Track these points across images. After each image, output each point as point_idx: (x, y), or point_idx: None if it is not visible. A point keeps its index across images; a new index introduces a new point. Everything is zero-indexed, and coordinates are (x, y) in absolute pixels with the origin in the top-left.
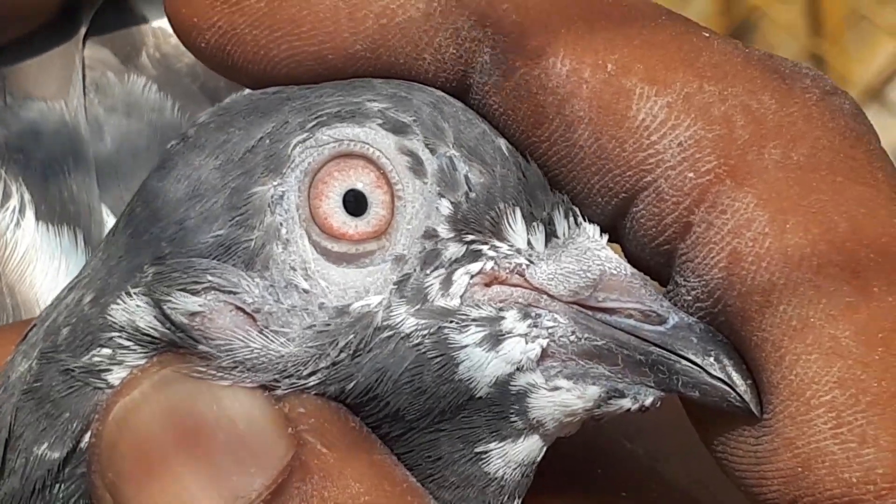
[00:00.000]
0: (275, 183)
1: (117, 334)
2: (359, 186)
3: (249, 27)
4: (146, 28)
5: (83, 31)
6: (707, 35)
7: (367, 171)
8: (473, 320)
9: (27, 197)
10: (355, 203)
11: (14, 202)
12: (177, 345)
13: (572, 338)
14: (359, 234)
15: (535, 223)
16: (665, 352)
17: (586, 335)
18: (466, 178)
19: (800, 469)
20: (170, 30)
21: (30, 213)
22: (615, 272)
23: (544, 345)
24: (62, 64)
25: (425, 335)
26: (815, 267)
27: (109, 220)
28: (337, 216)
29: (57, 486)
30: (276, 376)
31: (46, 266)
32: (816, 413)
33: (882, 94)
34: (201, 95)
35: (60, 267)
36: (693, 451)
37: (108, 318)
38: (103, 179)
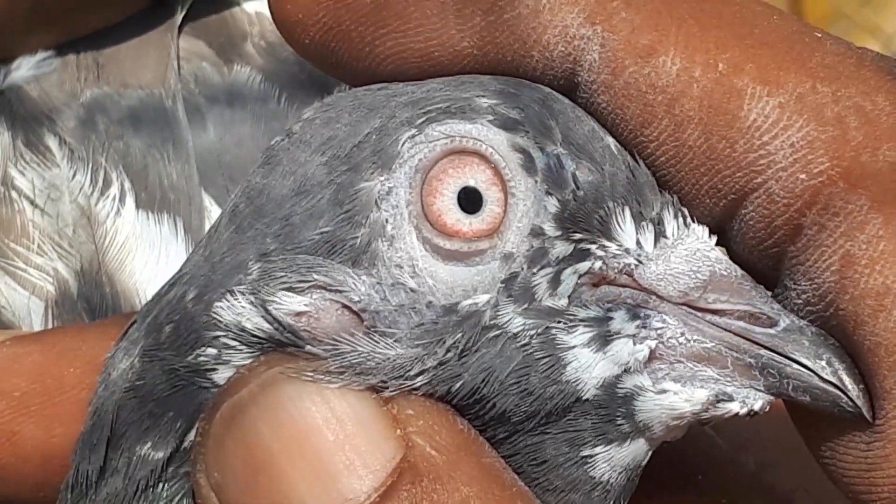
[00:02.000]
0: (382, 178)
1: (223, 333)
2: (472, 183)
3: (355, 23)
4: (243, 14)
5: (179, 18)
6: (819, 35)
7: (482, 168)
8: (581, 320)
9: (127, 185)
10: (469, 200)
11: (114, 190)
12: (284, 344)
13: (681, 339)
14: (473, 231)
15: (644, 223)
16: (776, 355)
17: (695, 337)
18: (574, 176)
19: None
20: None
21: (130, 201)
22: (725, 273)
23: (653, 346)
24: (157, 52)
25: (533, 335)
26: None
27: (212, 209)
28: (452, 213)
29: (161, 485)
30: (384, 378)
31: (146, 255)
32: None
33: None
34: (309, 84)
35: (160, 255)
36: (796, 458)
37: (214, 316)
38: (206, 169)
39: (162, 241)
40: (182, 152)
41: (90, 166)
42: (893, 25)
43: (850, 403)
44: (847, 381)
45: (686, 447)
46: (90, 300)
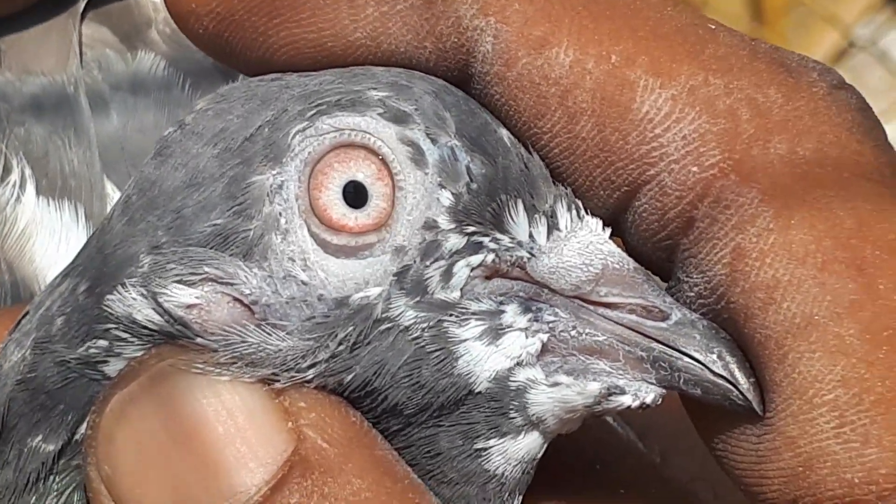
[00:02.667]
0: (274, 172)
1: (114, 326)
2: (359, 177)
3: (248, 13)
4: (147, 1)
5: (81, 5)
6: (713, 27)
7: (368, 163)
8: (473, 314)
9: (28, 171)
10: (355, 194)
11: (14, 177)
12: (175, 336)
13: (573, 333)
14: (359, 226)
15: (537, 215)
16: (667, 348)
17: (587, 330)
18: (468, 168)
19: (801, 469)
20: None
21: (30, 188)
22: (618, 267)
23: (545, 339)
24: (59, 38)
25: (424, 328)
26: (819, 263)
27: (114, 196)
28: (336, 208)
29: (51, 478)
30: (276, 370)
31: (46, 242)
32: (819, 412)
33: None
34: (214, 71)
35: (61, 242)
36: (696, 449)
37: (105, 309)
38: (109, 156)
39: (63, 228)
40: (84, 139)
41: None
42: (851, 14)
43: (741, 397)
44: (738, 374)
45: (583, 438)
46: None
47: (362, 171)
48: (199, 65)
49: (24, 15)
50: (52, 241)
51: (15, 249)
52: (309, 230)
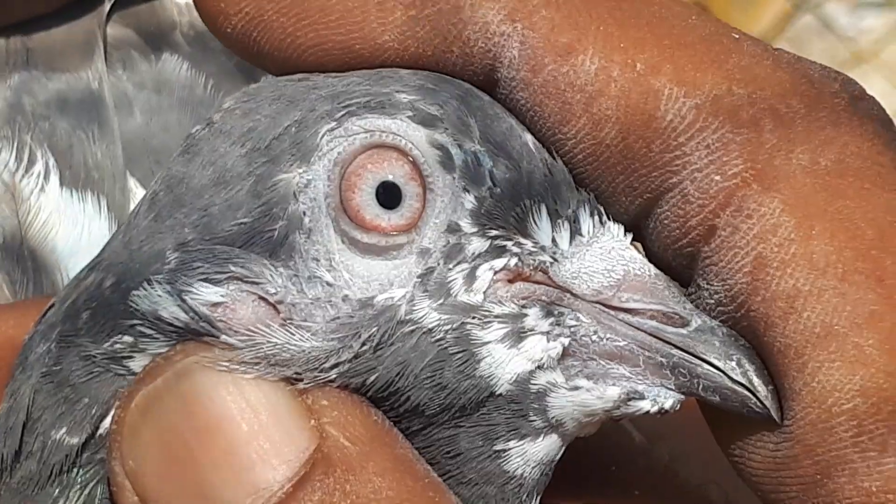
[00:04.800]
0: (300, 171)
1: (139, 322)
2: (391, 178)
3: (277, 14)
4: (172, 4)
5: (107, 6)
6: (737, 36)
7: (401, 164)
8: (496, 317)
9: (52, 162)
10: (388, 195)
11: (39, 167)
12: (200, 334)
13: (594, 337)
14: (391, 226)
15: (560, 220)
16: (686, 355)
17: (608, 335)
18: (491, 173)
19: (819, 476)
20: None
21: (54, 179)
22: (639, 273)
23: (566, 343)
24: (85, 38)
25: (447, 330)
26: (840, 274)
27: (137, 191)
28: (370, 208)
29: (75, 470)
30: (299, 370)
31: (69, 231)
32: (838, 421)
33: None
34: (237, 72)
35: (83, 233)
36: (709, 452)
37: (130, 305)
38: (133, 153)
39: (85, 218)
40: (108, 133)
41: (15, 144)
42: None
43: (759, 404)
44: (756, 382)
45: (600, 440)
46: (12, 274)
47: (395, 171)
48: (222, 66)
49: (50, 17)
50: (75, 231)
51: (38, 238)
52: (337, 229)
